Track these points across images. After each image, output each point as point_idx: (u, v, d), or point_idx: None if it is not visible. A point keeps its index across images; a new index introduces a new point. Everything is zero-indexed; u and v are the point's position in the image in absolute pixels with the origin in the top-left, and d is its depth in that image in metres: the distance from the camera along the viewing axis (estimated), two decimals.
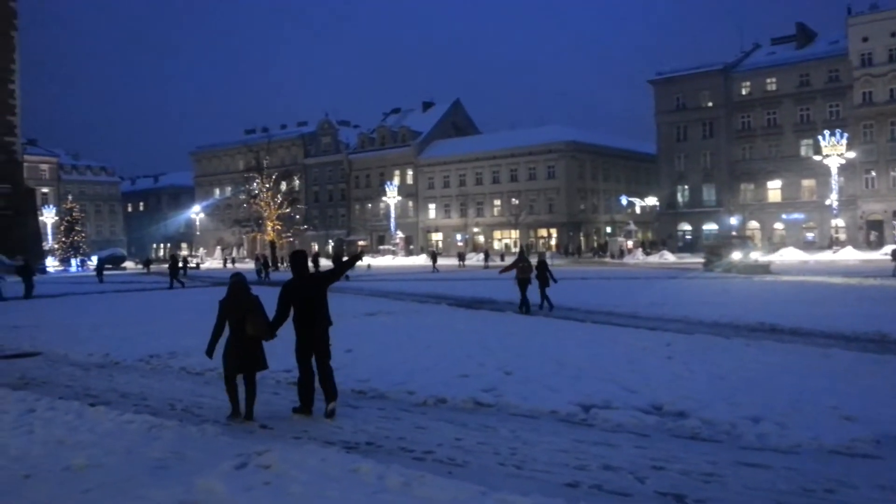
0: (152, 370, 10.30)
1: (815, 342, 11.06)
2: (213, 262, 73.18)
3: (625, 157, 77.04)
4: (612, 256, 57.31)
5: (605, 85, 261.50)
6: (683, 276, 29.46)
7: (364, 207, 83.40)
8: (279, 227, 62.64)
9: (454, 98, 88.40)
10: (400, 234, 73.13)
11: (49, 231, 72.56)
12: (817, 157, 52.39)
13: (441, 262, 48.41)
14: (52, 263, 62.04)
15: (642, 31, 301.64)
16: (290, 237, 66.76)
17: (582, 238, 71.04)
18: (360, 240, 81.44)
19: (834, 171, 50.21)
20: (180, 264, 45.31)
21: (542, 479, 5.09)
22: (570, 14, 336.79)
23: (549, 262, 18.76)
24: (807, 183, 60.05)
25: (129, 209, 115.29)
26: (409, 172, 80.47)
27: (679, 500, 4.64)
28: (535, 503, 4.34)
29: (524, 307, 16.68)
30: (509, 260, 34.18)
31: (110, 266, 56.20)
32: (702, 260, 37.38)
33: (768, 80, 62.38)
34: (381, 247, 74.60)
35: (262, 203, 61.67)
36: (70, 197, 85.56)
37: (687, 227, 66.90)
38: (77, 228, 74.08)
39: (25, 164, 65.61)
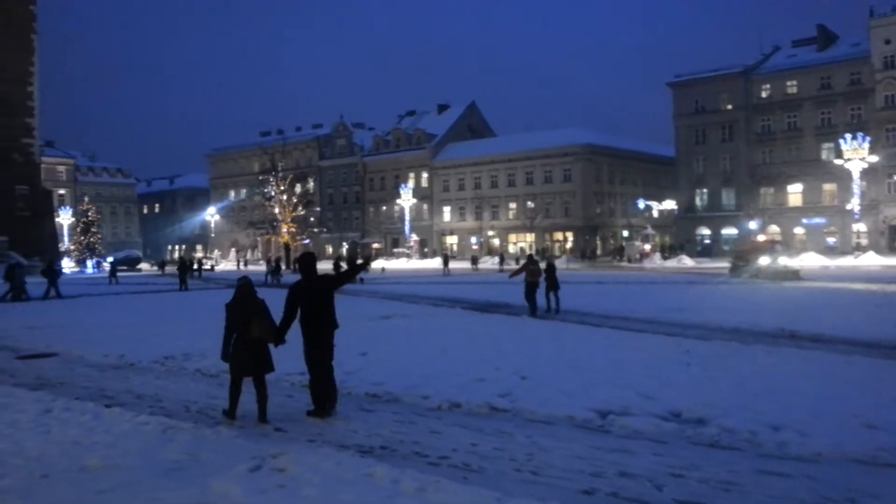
0: (167, 372, 10.34)
1: (837, 349, 10.92)
2: (227, 264, 73.61)
3: (642, 160, 76.56)
4: (630, 261, 56.96)
5: (622, 87, 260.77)
6: (711, 282, 28.73)
7: (378, 210, 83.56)
8: (293, 230, 62.89)
9: (470, 100, 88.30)
10: (414, 237, 73.17)
11: (65, 232, 73.25)
12: (838, 161, 51.76)
13: (454, 265, 48.33)
14: (68, 264, 62.67)
15: (660, 33, 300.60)
16: (304, 239, 67.02)
17: (598, 242, 70.70)
18: (374, 242, 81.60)
19: (856, 175, 49.61)
20: (195, 266, 46.25)
21: (559, 485, 5.04)
22: (586, 16, 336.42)
23: (557, 266, 18.89)
24: (828, 187, 59.37)
25: (145, 211, 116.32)
26: (424, 175, 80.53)
27: None
28: None
29: (535, 310, 16.90)
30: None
31: (125, 267, 56.80)
32: (724, 265, 36.69)
33: (789, 83, 61.81)
34: (396, 250, 74.65)
35: (277, 205, 61.96)
36: (86, 198, 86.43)
37: (705, 231, 66.36)
38: (93, 230, 74.89)
39: (43, 166, 66.28)
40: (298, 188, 66.68)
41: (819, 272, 33.59)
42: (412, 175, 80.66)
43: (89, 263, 63.66)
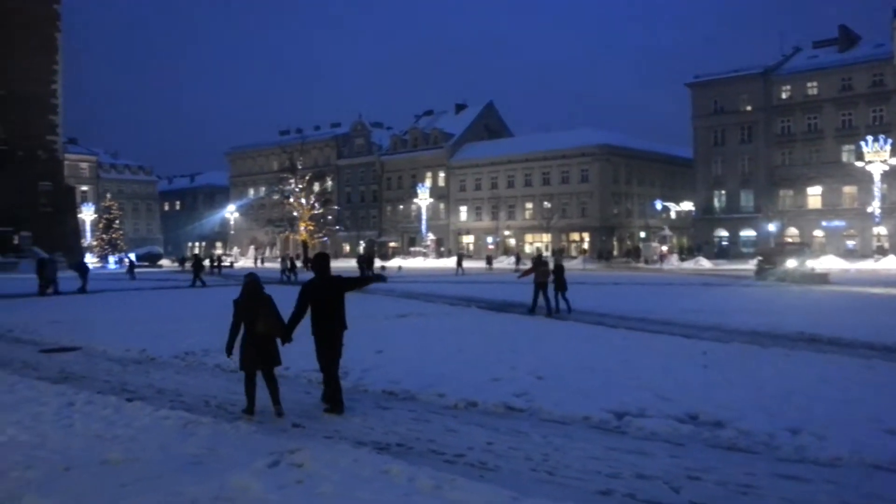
0: (187, 367, 10.45)
1: (856, 353, 10.79)
2: (245, 261, 74.14)
3: (660, 161, 76.02)
4: (647, 262, 56.60)
5: (640, 88, 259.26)
6: (732, 284, 28.28)
7: (395, 209, 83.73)
8: (312, 228, 63.20)
9: (487, 100, 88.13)
10: (431, 237, 73.23)
11: (87, 228, 74.25)
12: (859, 164, 51.15)
13: (469, 264, 48.33)
14: (90, 260, 63.48)
15: (678, 34, 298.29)
16: (322, 238, 67.31)
17: (615, 243, 70.32)
18: (391, 241, 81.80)
19: (877, 177, 48.98)
20: (215, 262, 46.77)
21: (575, 486, 5.04)
22: (604, 16, 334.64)
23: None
24: (848, 189, 58.63)
25: (166, 208, 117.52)
26: (441, 174, 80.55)
27: None
28: None
29: (534, 308, 17.15)
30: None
31: (146, 263, 57.56)
32: (742, 266, 36.12)
33: (809, 84, 61.10)
34: (413, 248, 74.81)
35: (296, 203, 62.28)
36: (108, 195, 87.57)
37: (723, 233, 65.79)
38: (115, 226, 75.84)
39: (66, 163, 67.26)
40: (317, 187, 67.11)
41: (840, 275, 33.06)
42: (429, 174, 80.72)
43: (111, 259, 64.48)
